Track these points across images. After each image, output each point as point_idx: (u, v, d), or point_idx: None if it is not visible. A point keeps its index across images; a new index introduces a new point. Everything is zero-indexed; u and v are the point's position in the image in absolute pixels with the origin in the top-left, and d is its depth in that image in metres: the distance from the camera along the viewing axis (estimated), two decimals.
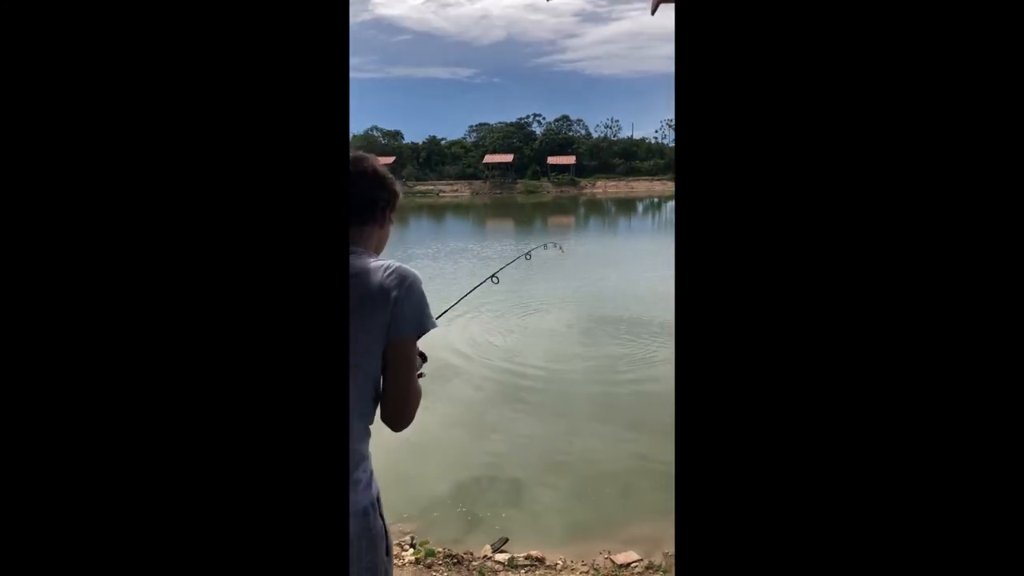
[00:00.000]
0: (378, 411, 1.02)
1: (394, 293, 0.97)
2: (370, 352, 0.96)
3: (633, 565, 2.70)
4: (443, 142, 56.64)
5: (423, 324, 1.00)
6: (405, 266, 1.01)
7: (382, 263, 1.00)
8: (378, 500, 1.01)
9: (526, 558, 2.75)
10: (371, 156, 1.06)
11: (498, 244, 14.60)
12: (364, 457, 1.00)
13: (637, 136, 59.22)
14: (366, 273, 0.97)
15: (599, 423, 4.31)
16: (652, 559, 2.76)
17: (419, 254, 12.65)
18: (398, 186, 1.10)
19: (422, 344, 1.05)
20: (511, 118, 57.19)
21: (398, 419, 1.02)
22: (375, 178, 1.05)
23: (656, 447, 3.90)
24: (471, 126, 59.25)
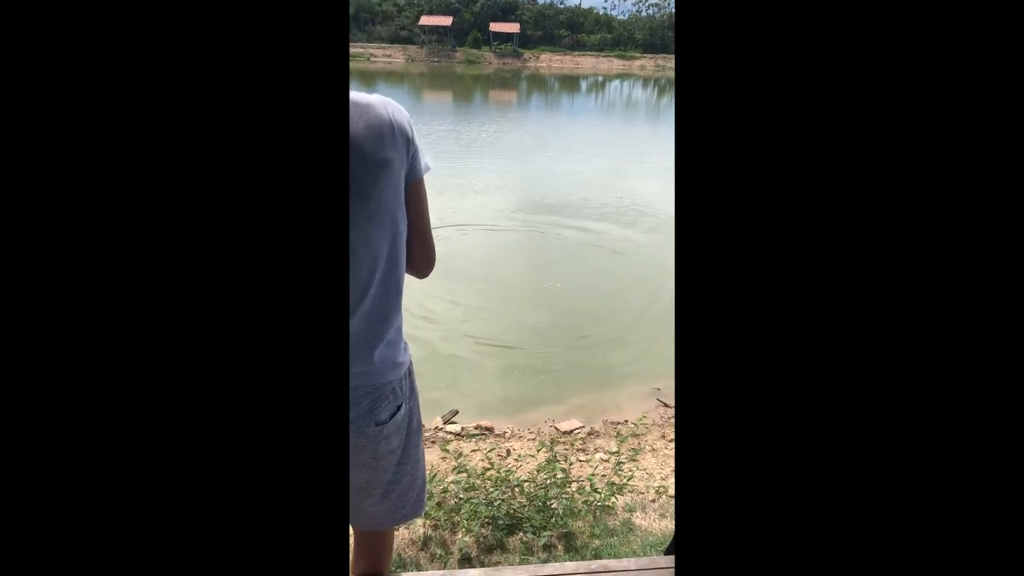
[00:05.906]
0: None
1: (409, 133, 0.86)
2: (399, 205, 0.87)
3: (576, 431, 2.94)
4: None
5: (425, 159, 0.92)
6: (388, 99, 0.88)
7: (372, 98, 0.85)
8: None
9: (476, 428, 2.92)
10: None
11: (437, 123, 13.69)
12: (402, 322, 0.97)
13: (585, 5, 55.54)
14: (373, 115, 0.81)
15: (538, 309, 4.44)
16: (593, 426, 3.02)
17: None
18: None
19: None
20: None
21: (428, 262, 0.97)
22: None
23: (586, 327, 4.11)
24: None
